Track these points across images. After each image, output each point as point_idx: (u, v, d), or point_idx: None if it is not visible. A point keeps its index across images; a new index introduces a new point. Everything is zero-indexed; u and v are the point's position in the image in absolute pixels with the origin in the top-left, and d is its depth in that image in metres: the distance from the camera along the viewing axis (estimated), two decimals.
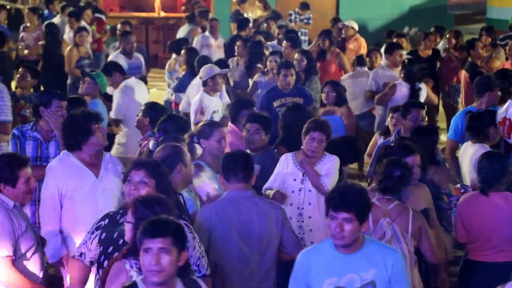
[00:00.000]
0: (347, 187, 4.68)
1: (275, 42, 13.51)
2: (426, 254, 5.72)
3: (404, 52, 11.47)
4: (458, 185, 6.51)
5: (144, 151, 6.81)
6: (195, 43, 13.95)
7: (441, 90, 12.63)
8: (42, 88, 11.33)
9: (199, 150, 6.84)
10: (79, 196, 5.97)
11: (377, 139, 8.54)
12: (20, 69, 9.42)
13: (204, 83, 9.34)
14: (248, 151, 6.96)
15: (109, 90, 9.53)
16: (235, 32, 15.02)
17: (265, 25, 14.92)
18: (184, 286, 4.29)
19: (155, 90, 15.69)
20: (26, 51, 13.73)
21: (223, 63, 10.67)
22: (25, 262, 5.35)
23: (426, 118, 8.11)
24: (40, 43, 13.57)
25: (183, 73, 11.27)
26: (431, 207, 6.23)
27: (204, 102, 9.19)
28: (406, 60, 10.35)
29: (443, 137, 9.56)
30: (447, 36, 12.88)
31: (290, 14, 17.14)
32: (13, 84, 10.97)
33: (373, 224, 5.57)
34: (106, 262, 4.86)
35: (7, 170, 5.40)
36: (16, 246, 5.28)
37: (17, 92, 9.14)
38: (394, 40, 12.73)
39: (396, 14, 21.38)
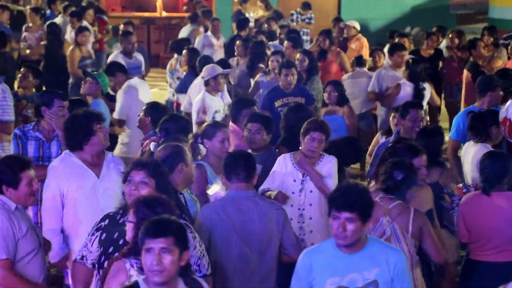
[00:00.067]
0: (350, 187, 4.68)
1: (277, 42, 13.51)
2: (431, 254, 5.68)
3: (406, 52, 11.46)
4: (460, 185, 6.51)
5: (146, 151, 6.81)
6: (197, 43, 13.96)
7: (443, 90, 12.62)
8: (44, 88, 11.33)
9: (203, 151, 6.84)
10: (81, 196, 5.98)
11: (379, 139, 8.53)
12: (22, 69, 9.43)
13: (206, 83, 9.35)
14: (249, 150, 6.96)
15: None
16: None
17: (266, 25, 14.92)
18: (186, 286, 4.29)
19: (156, 90, 15.69)
20: (28, 51, 13.75)
21: (225, 63, 10.67)
22: (25, 265, 5.32)
23: (428, 118, 8.10)
24: (42, 43, 13.58)
25: (184, 73, 11.28)
26: (433, 208, 6.22)
27: (206, 102, 9.20)
28: (410, 60, 10.33)
29: (445, 137, 9.55)
30: (450, 36, 12.87)
31: (292, 14, 17.14)
32: (16, 84, 10.96)
33: (373, 222, 5.55)
34: (106, 262, 4.85)
35: (9, 172, 5.38)
36: (16, 249, 5.27)
37: (19, 92, 9.14)
38: (396, 40, 12.73)
39: (398, 13, 21.36)
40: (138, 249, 4.29)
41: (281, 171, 6.85)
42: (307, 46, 13.82)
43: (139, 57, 11.89)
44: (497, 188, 6.08)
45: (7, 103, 7.90)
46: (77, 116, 6.14)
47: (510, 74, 9.13)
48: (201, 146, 6.84)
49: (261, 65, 11.28)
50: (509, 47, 11.47)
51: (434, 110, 12.06)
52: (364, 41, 14.01)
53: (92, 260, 5.07)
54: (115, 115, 9.35)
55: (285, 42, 12.13)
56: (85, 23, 14.49)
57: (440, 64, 12.74)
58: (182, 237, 4.23)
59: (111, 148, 7.59)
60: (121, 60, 11.13)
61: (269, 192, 6.74)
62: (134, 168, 5.13)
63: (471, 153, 7.28)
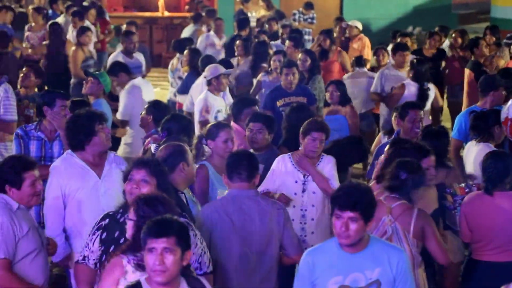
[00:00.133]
0: (353, 186, 4.68)
1: (279, 41, 13.50)
2: (435, 255, 5.65)
3: (409, 52, 11.45)
4: (463, 185, 6.50)
5: (148, 150, 6.81)
6: (200, 42, 13.96)
7: (446, 89, 12.61)
8: (46, 88, 11.33)
9: (208, 152, 6.83)
10: (82, 196, 5.98)
11: (381, 139, 8.52)
12: (24, 69, 9.43)
13: (209, 82, 9.35)
14: (251, 150, 6.96)
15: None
16: None
17: (267, 26, 14.91)
18: (188, 286, 4.30)
19: (158, 90, 15.70)
20: (30, 51, 13.75)
21: (228, 63, 10.67)
22: (27, 265, 5.31)
23: (430, 118, 8.07)
24: (44, 43, 13.59)
25: (185, 74, 11.27)
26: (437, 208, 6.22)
27: (209, 101, 9.20)
28: (415, 60, 10.31)
29: None
30: (453, 35, 12.86)
31: (294, 14, 17.15)
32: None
33: (375, 221, 5.55)
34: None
35: (12, 172, 5.38)
36: (16, 249, 5.26)
37: (21, 91, 9.14)
38: (399, 39, 12.72)
39: (400, 13, 21.36)
40: (137, 246, 4.30)
41: (281, 171, 6.83)
42: (309, 46, 13.82)
43: (140, 57, 11.88)
44: (500, 187, 6.08)
45: (10, 103, 7.90)
46: (79, 116, 6.14)
47: None
48: (206, 147, 6.83)
49: (264, 65, 11.28)
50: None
51: (436, 110, 12.05)
52: (366, 40, 14.00)
53: (94, 259, 5.07)
54: (118, 115, 9.35)
55: (287, 42, 12.14)
56: (87, 22, 14.50)
57: (443, 64, 12.72)
58: (184, 237, 4.24)
59: (113, 149, 7.58)
60: (122, 59, 11.13)
61: (272, 194, 6.73)
62: (135, 166, 5.13)
63: (473, 153, 7.27)
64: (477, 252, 6.18)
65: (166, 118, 7.03)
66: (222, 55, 13.15)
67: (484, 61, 11.48)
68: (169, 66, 12.45)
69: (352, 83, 11.06)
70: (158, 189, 5.00)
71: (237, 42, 12.12)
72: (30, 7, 15.85)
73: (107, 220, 5.07)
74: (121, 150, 9.16)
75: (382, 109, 10.57)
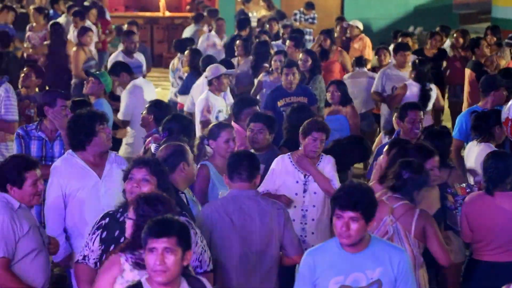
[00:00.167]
0: (353, 186, 4.67)
1: (280, 41, 13.50)
2: (436, 255, 5.64)
3: (410, 52, 11.44)
4: (464, 185, 6.50)
5: (148, 150, 6.82)
6: (201, 42, 13.95)
7: (447, 89, 12.61)
8: (46, 88, 11.33)
9: (211, 152, 6.83)
10: (83, 196, 5.98)
11: (382, 139, 8.52)
12: (25, 69, 9.43)
13: (210, 83, 9.35)
14: (252, 150, 6.95)
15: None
16: None
17: (267, 26, 14.91)
18: (189, 286, 4.30)
19: (159, 90, 15.69)
20: (31, 51, 13.76)
21: (229, 63, 10.67)
22: (26, 264, 5.32)
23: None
24: (45, 42, 13.59)
25: (186, 74, 11.27)
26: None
27: (210, 101, 9.20)
28: (417, 61, 10.30)
29: None
30: (455, 35, 12.86)
31: (295, 14, 17.15)
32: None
33: (376, 221, 5.54)
34: None
35: (14, 171, 5.40)
36: (16, 248, 5.26)
37: (21, 91, 9.14)
38: (400, 39, 12.72)
39: (401, 13, 21.37)
40: (136, 245, 4.30)
41: (281, 171, 6.83)
42: (310, 46, 13.82)
43: (140, 57, 11.88)
44: (501, 188, 6.08)
45: (11, 103, 7.90)
46: (80, 116, 6.14)
47: None
48: (208, 148, 6.83)
49: (266, 65, 11.28)
50: None
51: (437, 110, 12.05)
52: (367, 40, 14.00)
53: (94, 259, 5.07)
54: (120, 115, 9.34)
55: (287, 42, 12.13)
56: (88, 23, 14.50)
57: (444, 64, 12.72)
58: (185, 237, 4.24)
59: (115, 149, 7.58)
60: (122, 59, 11.13)
61: (273, 196, 6.71)
62: (136, 165, 5.14)
63: (474, 153, 7.27)
64: (478, 252, 6.18)
65: (167, 118, 7.03)
66: (223, 55, 13.14)
67: (485, 61, 11.47)
68: (170, 66, 12.45)
69: (352, 83, 11.05)
70: (159, 188, 5.00)
71: (237, 42, 12.12)
72: (31, 7, 15.84)
73: (107, 219, 5.07)
74: (123, 150, 9.16)
75: (383, 109, 10.57)
